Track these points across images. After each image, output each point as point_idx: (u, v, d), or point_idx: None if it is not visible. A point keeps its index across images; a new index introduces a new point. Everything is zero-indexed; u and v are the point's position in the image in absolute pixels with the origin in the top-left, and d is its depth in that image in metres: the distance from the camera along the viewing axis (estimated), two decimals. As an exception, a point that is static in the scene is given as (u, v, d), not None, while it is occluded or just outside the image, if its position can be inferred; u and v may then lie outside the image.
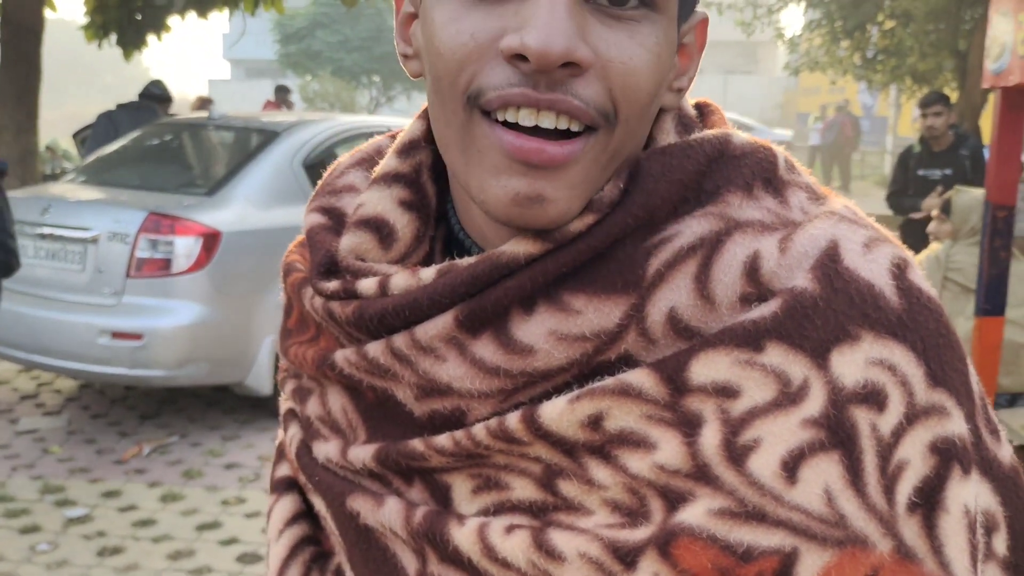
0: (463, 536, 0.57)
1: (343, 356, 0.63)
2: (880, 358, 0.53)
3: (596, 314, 0.56)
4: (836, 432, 0.52)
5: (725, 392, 0.53)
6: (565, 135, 0.54)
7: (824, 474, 0.51)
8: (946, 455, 0.53)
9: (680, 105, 0.65)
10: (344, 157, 0.75)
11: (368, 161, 0.73)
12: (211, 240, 4.46)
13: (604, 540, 0.53)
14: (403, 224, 0.65)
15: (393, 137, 0.72)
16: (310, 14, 23.17)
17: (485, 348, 0.57)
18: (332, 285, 0.63)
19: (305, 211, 0.71)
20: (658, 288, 0.56)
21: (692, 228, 0.57)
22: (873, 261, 0.56)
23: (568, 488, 0.56)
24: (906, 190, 5.48)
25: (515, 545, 0.55)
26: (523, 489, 0.58)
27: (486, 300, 0.57)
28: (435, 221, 0.67)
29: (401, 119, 6.65)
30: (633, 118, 0.56)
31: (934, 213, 3.79)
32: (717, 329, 0.55)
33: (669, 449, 0.53)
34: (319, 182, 0.74)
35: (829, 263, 0.55)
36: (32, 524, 3.68)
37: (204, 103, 11.25)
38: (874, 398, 0.52)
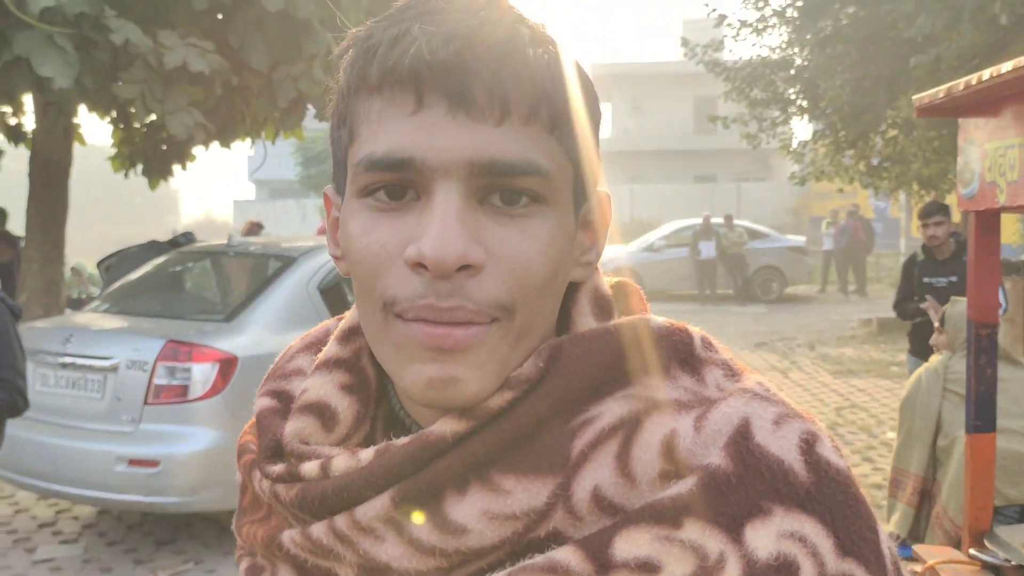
0: None
1: (289, 536, 0.65)
2: (791, 531, 0.56)
3: (525, 494, 0.58)
4: None
5: (647, 568, 0.55)
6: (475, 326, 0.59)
7: None
8: None
9: (596, 284, 0.69)
10: (295, 341, 0.79)
11: (316, 345, 0.76)
12: (227, 365, 4.56)
13: None
14: (344, 407, 0.68)
15: (340, 319, 0.76)
16: (327, 138, 23.95)
17: (421, 528, 0.59)
18: (277, 468, 0.66)
19: (256, 395, 0.75)
20: (582, 468, 0.58)
21: (613, 410, 0.60)
22: (782, 437, 0.59)
23: None
24: (911, 297, 5.54)
25: None
26: None
27: (420, 481, 0.59)
28: (376, 402, 0.70)
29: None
30: (530, 303, 0.60)
31: (935, 325, 3.84)
32: (639, 505, 0.58)
33: None
34: (271, 366, 0.78)
35: (741, 440, 0.58)
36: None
37: (254, 228, 11.58)
38: (786, 570, 0.55)
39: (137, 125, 7.42)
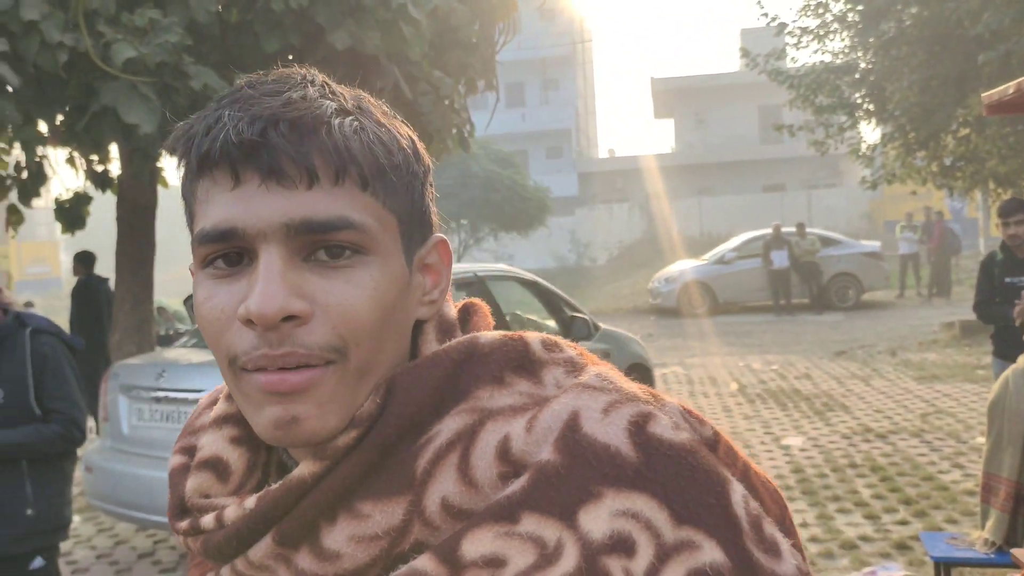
0: None
1: None
2: (623, 509, 0.59)
3: (383, 515, 0.64)
4: None
5: (493, 563, 0.60)
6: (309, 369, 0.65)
7: None
8: None
9: (443, 313, 0.76)
10: (204, 398, 0.85)
11: (218, 399, 0.81)
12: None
13: None
14: (235, 458, 0.74)
15: None
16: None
17: (304, 559, 0.65)
18: (183, 524, 0.72)
19: (172, 451, 0.81)
20: (428, 483, 0.64)
21: (449, 426, 0.65)
22: (610, 424, 0.63)
23: None
24: (993, 298, 5.42)
25: None
26: None
27: (293, 520, 0.65)
28: (267, 450, 0.76)
29: (487, 263, 6.91)
30: (364, 344, 0.66)
31: (1018, 322, 3.77)
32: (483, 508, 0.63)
33: None
34: (185, 422, 0.85)
35: (569, 433, 0.62)
36: None
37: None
38: (622, 546, 0.58)
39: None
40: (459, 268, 6.41)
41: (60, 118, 5.54)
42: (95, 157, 7.52)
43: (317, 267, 0.66)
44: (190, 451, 0.78)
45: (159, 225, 7.46)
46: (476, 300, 0.82)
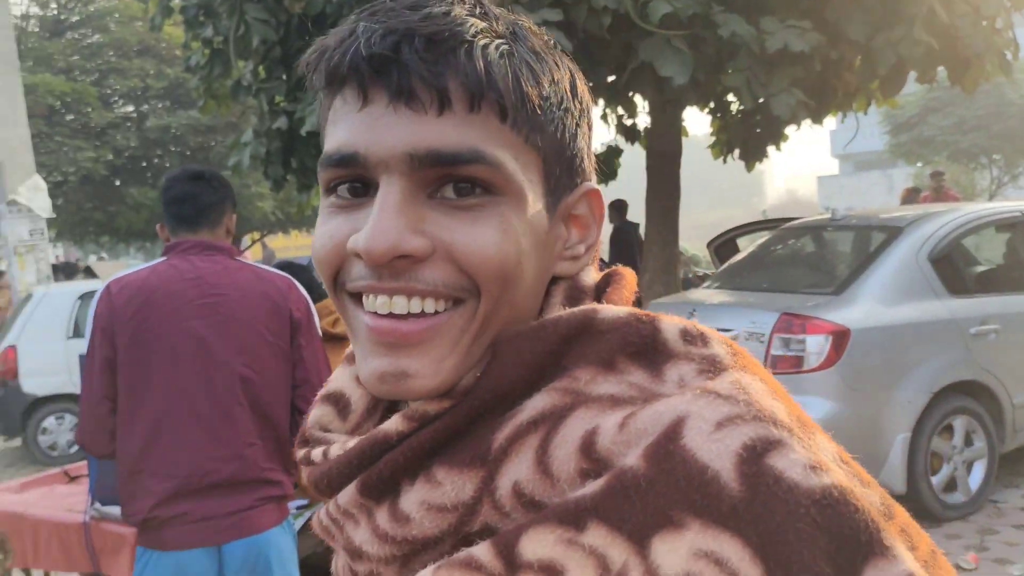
0: None
1: (318, 514, 0.69)
2: (707, 550, 0.49)
3: (453, 486, 0.58)
4: None
5: (550, 570, 0.53)
6: (428, 317, 0.59)
7: None
8: None
9: (577, 277, 0.67)
10: None
11: None
12: (840, 338, 4.62)
13: None
14: (357, 397, 0.70)
15: None
16: (920, 101, 22.49)
17: (382, 516, 0.61)
18: (300, 453, 0.70)
19: None
20: (504, 462, 0.57)
21: (535, 403, 0.58)
22: (718, 441, 0.52)
23: None
24: None
25: None
26: None
27: (374, 472, 0.61)
28: None
29: (1037, 201, 6.15)
30: (495, 287, 0.59)
31: None
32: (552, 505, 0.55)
33: None
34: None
35: (665, 442, 0.52)
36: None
37: (912, 194, 11.71)
38: None
39: (733, 112, 7.82)
40: (1001, 207, 5.80)
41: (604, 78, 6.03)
42: (624, 112, 8.10)
43: (443, 205, 0.60)
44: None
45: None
46: (622, 268, 0.72)
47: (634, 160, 8.39)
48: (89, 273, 14.19)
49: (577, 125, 0.66)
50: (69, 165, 13.99)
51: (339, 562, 0.69)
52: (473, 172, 0.59)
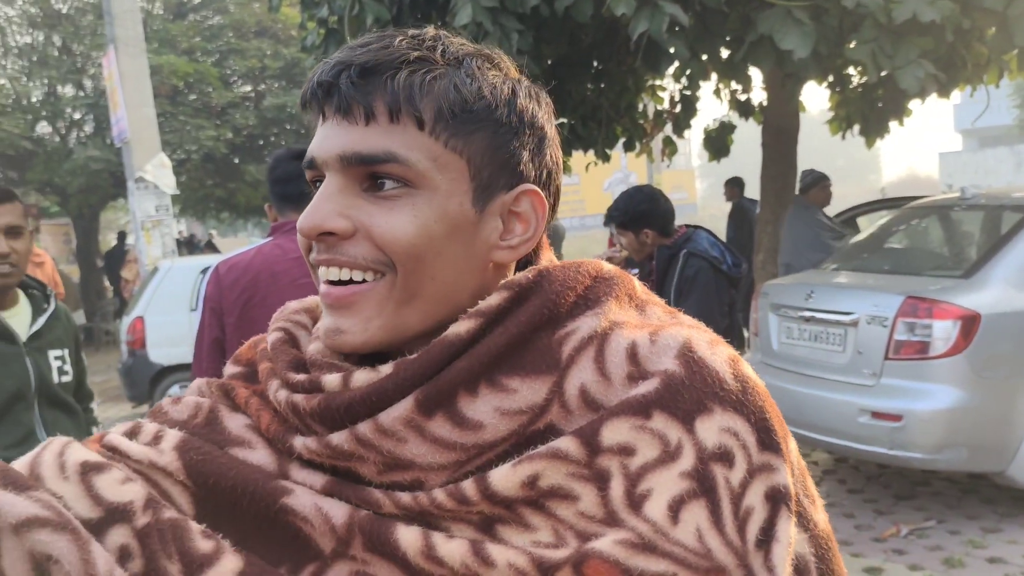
0: (406, 534, 0.68)
1: (303, 444, 0.74)
2: (728, 427, 0.70)
3: (529, 391, 0.72)
4: (703, 483, 0.68)
5: (625, 451, 0.69)
6: (356, 285, 0.75)
7: (696, 516, 0.68)
8: (776, 500, 0.70)
9: (513, 267, 0.81)
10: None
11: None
12: (969, 323, 4.39)
13: (531, 555, 0.66)
14: None
15: None
16: (1056, 71, 21.19)
17: (441, 427, 0.71)
18: (300, 377, 0.77)
19: (268, 331, 0.88)
20: (571, 368, 0.72)
21: (588, 323, 0.74)
22: (716, 355, 0.73)
23: (504, 531, 0.69)
24: None
25: (454, 548, 0.67)
26: (462, 532, 0.70)
27: (438, 383, 0.71)
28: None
29: None
30: (408, 262, 0.74)
31: None
32: (615, 402, 0.71)
33: (588, 500, 0.69)
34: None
35: (687, 352, 0.73)
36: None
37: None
38: (726, 457, 0.70)
39: (853, 86, 7.51)
40: None
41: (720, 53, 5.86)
42: (739, 87, 7.88)
43: (369, 196, 0.74)
44: (286, 331, 0.86)
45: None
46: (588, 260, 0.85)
47: (749, 136, 8.16)
48: (212, 248, 14.72)
49: (514, 135, 0.78)
50: (191, 143, 14.48)
51: (309, 501, 0.71)
52: (388, 170, 0.74)
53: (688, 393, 0.70)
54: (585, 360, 0.73)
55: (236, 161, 16.17)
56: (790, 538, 0.70)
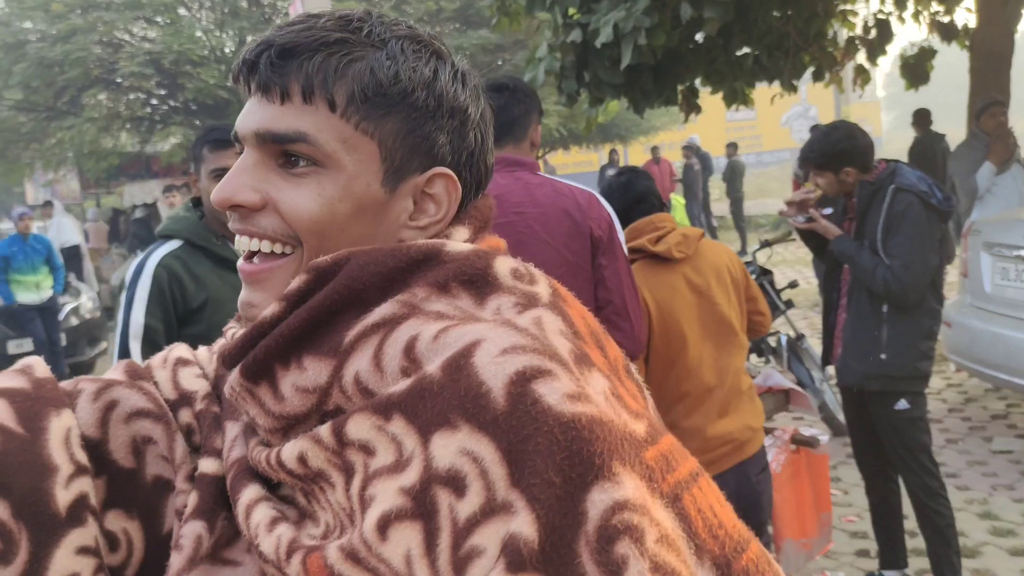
0: (249, 489, 0.74)
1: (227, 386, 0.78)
2: (469, 449, 0.61)
3: (314, 372, 0.71)
4: (421, 505, 0.62)
5: (366, 450, 0.66)
6: (267, 258, 0.78)
7: (408, 539, 0.61)
8: (509, 551, 0.58)
9: (446, 242, 0.76)
10: None
11: None
12: None
13: (293, 537, 0.68)
14: None
15: None
16: None
17: (265, 395, 0.73)
18: (226, 331, 0.87)
19: None
20: (351, 356, 0.70)
21: (381, 310, 0.71)
22: (498, 364, 0.63)
23: (311, 505, 0.72)
24: None
25: (257, 514, 0.71)
26: (293, 498, 0.74)
27: (253, 357, 0.74)
28: None
29: None
30: (312, 238, 0.76)
31: None
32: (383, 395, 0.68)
33: (339, 490, 0.68)
34: None
35: (460, 358, 0.65)
36: (1021, 546, 3.74)
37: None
38: (456, 483, 0.61)
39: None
40: None
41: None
42: (940, 8, 7.26)
43: (282, 172, 0.77)
44: None
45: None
46: (497, 238, 0.85)
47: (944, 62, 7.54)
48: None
49: (430, 119, 0.79)
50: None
51: (235, 432, 0.80)
52: (297, 148, 0.76)
53: (435, 402, 0.64)
54: (367, 348, 0.70)
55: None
56: None
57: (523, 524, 0.58)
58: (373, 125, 0.76)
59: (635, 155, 23.30)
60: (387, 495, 0.63)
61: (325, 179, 0.76)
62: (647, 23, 5.59)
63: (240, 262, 0.80)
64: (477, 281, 0.73)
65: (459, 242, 0.77)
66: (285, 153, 0.76)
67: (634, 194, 2.73)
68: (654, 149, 16.72)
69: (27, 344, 8.84)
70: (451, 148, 0.81)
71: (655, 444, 0.66)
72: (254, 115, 0.77)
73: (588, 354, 0.71)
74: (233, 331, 0.84)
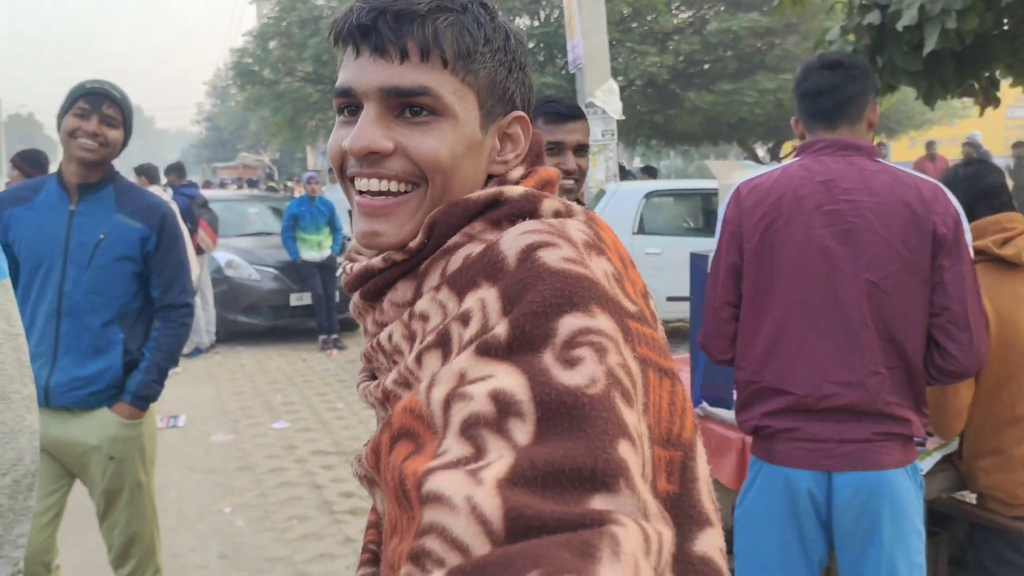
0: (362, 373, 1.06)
1: (351, 303, 1.05)
2: (480, 296, 0.81)
3: (402, 291, 0.94)
4: (441, 336, 0.82)
5: (423, 317, 0.88)
6: (394, 195, 0.94)
7: (432, 362, 0.82)
8: (474, 343, 0.76)
9: (506, 174, 0.98)
10: None
11: None
12: None
13: (382, 384, 0.92)
14: None
15: None
16: None
17: (375, 312, 0.98)
18: (344, 264, 1.07)
19: None
20: (425, 277, 0.92)
21: (448, 243, 0.91)
22: (516, 240, 0.83)
23: (384, 371, 0.96)
24: None
25: (366, 384, 1.01)
26: (381, 371, 0.98)
27: (366, 288, 0.98)
28: None
29: None
30: (439, 178, 0.93)
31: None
32: None
33: (407, 352, 0.89)
34: None
35: (494, 244, 0.85)
36: None
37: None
38: (464, 318, 0.81)
39: None
40: None
41: None
42: None
43: (404, 122, 0.92)
44: None
45: None
46: (544, 169, 1.00)
47: None
48: (650, 173, 15.03)
49: (508, 72, 0.96)
50: (634, 70, 14.77)
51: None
52: (421, 100, 0.90)
53: (469, 272, 0.84)
54: (437, 269, 0.91)
55: (674, 88, 16.24)
56: (459, 369, 0.74)
57: (498, 329, 0.75)
58: (473, 78, 0.93)
59: (900, 151, 21.79)
60: (424, 339, 0.85)
61: (445, 125, 0.92)
62: (958, 4, 5.12)
63: (360, 199, 0.94)
64: (524, 217, 0.89)
65: (515, 187, 0.93)
66: (405, 105, 0.91)
67: (982, 188, 2.47)
68: (929, 144, 15.56)
69: (306, 298, 9.57)
70: (520, 95, 0.99)
71: (641, 324, 0.83)
72: (373, 73, 0.91)
73: (603, 249, 0.87)
74: (350, 266, 1.02)
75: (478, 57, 0.92)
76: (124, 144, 2.85)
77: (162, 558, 3.04)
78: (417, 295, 0.91)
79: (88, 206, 2.82)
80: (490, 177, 0.98)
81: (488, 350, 0.73)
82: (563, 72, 13.65)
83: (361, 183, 0.93)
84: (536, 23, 16.54)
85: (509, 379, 0.70)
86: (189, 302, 3.00)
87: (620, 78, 15.27)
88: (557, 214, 0.90)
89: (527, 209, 0.90)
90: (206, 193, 10.79)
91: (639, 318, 0.82)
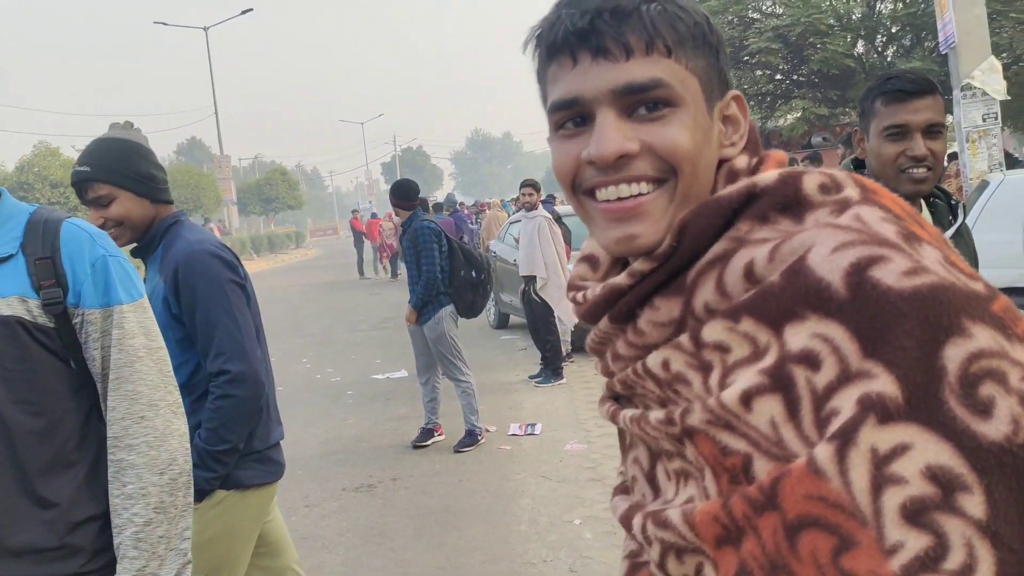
0: (613, 405, 1.02)
1: (589, 336, 1.02)
2: (819, 333, 0.75)
3: (666, 309, 0.89)
4: (778, 380, 0.77)
5: (721, 348, 0.83)
6: (643, 195, 0.89)
7: (770, 408, 0.77)
8: (866, 406, 0.71)
9: (733, 160, 0.94)
10: None
11: None
12: None
13: (667, 415, 0.88)
14: (603, 256, 1.05)
15: None
16: None
17: (629, 333, 0.93)
18: (570, 295, 1.02)
19: None
20: (695, 290, 0.87)
21: (714, 249, 0.87)
22: (832, 260, 0.77)
23: (654, 399, 0.92)
24: None
25: (628, 412, 0.96)
26: (647, 398, 0.93)
27: (615, 310, 0.93)
28: None
29: None
30: (688, 168, 0.89)
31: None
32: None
33: (697, 384, 0.85)
34: None
35: (796, 264, 0.79)
36: None
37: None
38: (810, 360, 0.75)
39: None
40: None
41: None
42: None
43: (639, 120, 0.88)
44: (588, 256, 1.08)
45: None
46: (771, 152, 0.96)
47: None
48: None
49: (717, 52, 0.94)
50: (1021, 45, 13.06)
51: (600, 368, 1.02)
52: (657, 94, 0.88)
53: (778, 302, 0.78)
54: (709, 281, 0.86)
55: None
56: (872, 446, 0.70)
57: (884, 384, 0.71)
58: (693, 63, 0.90)
59: None
60: (746, 377, 0.79)
61: (683, 115, 0.89)
62: None
63: (606, 205, 0.90)
64: (791, 205, 0.85)
65: (766, 174, 0.89)
66: (639, 102, 0.88)
67: None
68: None
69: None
70: (728, 74, 0.96)
71: (997, 299, 0.76)
72: (600, 77, 0.88)
73: (914, 231, 0.81)
74: (581, 295, 0.98)
75: (694, 42, 0.91)
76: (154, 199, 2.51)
77: (517, 565, 3.01)
78: (687, 311, 0.87)
79: (148, 269, 2.57)
80: (720, 165, 0.95)
81: (888, 415, 0.71)
82: (932, 55, 12.40)
83: (607, 192, 0.90)
84: (900, 5, 15.27)
85: (933, 449, 0.70)
86: (226, 368, 2.41)
87: (1004, 55, 13.60)
88: (824, 188, 0.86)
89: (790, 194, 0.86)
90: (559, 209, 11.13)
91: (991, 293, 0.77)
